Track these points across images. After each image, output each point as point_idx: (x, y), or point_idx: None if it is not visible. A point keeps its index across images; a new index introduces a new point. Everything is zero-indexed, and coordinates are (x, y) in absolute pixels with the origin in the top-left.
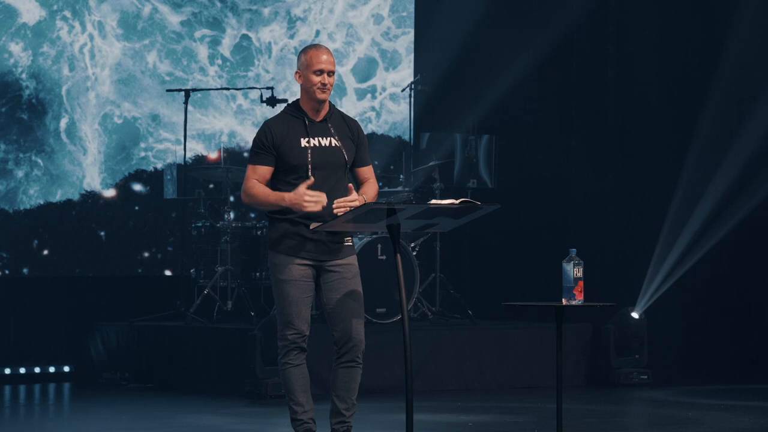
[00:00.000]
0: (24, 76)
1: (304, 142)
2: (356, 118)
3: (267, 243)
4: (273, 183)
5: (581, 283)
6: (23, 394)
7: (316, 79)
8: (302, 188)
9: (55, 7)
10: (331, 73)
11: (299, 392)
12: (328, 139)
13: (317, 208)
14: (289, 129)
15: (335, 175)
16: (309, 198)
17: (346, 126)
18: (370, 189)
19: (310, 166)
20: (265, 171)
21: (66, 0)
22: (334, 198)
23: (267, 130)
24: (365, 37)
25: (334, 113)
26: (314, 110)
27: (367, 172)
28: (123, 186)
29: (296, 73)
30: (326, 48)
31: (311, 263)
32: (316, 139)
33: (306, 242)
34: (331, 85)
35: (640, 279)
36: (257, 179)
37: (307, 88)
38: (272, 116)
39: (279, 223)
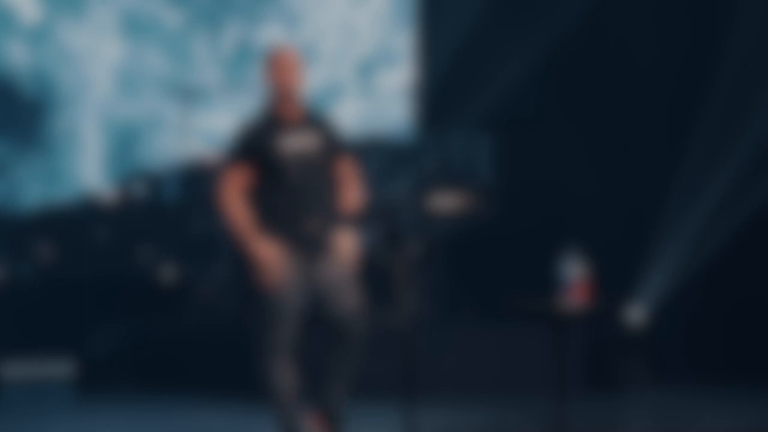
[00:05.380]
0: (24, 76)
1: (283, 142)
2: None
3: None
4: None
5: (581, 282)
6: (23, 394)
7: (284, 78)
8: (271, 258)
9: (55, 7)
10: (298, 72)
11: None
12: (307, 136)
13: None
14: (265, 129)
15: (318, 172)
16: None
17: (320, 121)
18: (352, 193)
19: (292, 165)
20: (243, 173)
21: (66, 0)
22: (321, 196)
23: (244, 130)
24: (365, 37)
25: (306, 109)
26: (286, 110)
27: (345, 165)
28: (123, 186)
29: (264, 75)
30: (291, 48)
31: (302, 259)
32: (295, 137)
33: (296, 239)
34: (300, 84)
35: (641, 279)
36: (235, 185)
37: (276, 89)
38: (245, 119)
39: (268, 222)
